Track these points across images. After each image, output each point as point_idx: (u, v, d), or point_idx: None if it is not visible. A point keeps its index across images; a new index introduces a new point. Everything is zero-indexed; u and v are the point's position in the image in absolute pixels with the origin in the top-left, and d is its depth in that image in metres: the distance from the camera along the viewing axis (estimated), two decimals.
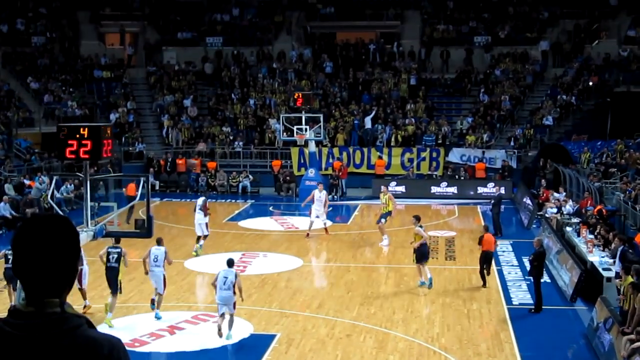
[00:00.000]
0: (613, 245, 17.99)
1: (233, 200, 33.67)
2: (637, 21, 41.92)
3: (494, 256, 20.36)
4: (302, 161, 36.32)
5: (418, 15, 45.42)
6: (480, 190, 33.94)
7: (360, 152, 36.72)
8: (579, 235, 20.95)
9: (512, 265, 21.35)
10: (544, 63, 42.08)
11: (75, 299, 16.04)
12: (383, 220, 24.04)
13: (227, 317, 14.69)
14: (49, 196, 22.13)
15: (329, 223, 25.88)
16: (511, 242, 24.34)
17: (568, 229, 22.60)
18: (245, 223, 28.13)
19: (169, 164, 36.49)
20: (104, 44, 46.08)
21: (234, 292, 14.55)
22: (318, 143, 35.08)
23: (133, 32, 46.63)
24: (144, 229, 14.59)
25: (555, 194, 28.25)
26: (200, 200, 22.87)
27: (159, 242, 16.53)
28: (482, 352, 14.27)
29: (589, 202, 24.84)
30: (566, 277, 18.56)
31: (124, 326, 15.64)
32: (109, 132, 13.11)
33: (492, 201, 26.34)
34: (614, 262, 17.09)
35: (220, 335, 14.63)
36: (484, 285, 18.90)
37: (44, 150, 35.56)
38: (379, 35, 45.92)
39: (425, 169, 36.10)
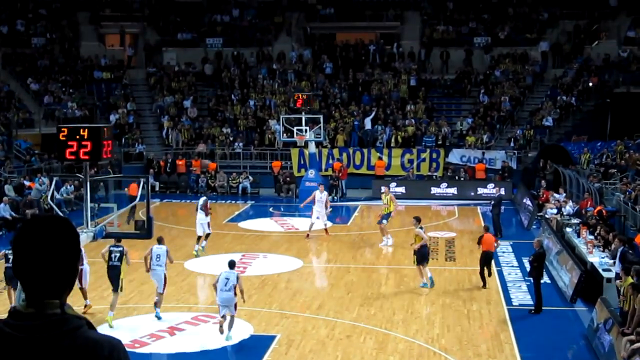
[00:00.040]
0: (613, 246, 17.99)
1: (233, 201, 33.67)
2: (636, 22, 41.94)
3: (494, 257, 20.37)
4: (302, 162, 36.33)
5: (418, 16, 45.43)
6: (480, 191, 33.95)
7: (360, 153, 36.73)
8: (579, 236, 20.95)
9: (512, 266, 21.35)
10: (544, 64, 42.09)
11: (76, 299, 16.04)
12: (384, 221, 24.03)
13: (228, 318, 14.70)
14: (48, 197, 22.13)
15: (329, 224, 25.89)
16: (511, 243, 24.33)
17: (568, 229, 22.60)
18: (245, 224, 28.13)
19: (168, 165, 36.50)
20: (104, 45, 46.09)
21: (235, 294, 14.56)
22: (318, 144, 35.09)
23: (133, 33, 46.64)
24: (144, 230, 14.60)
25: (555, 195, 28.26)
26: (201, 200, 22.97)
27: (160, 240, 16.62)
28: (482, 352, 14.27)
29: (589, 202, 24.85)
30: (566, 278, 18.56)
31: (124, 327, 15.63)
32: (109, 133, 13.12)
33: (492, 202, 26.34)
34: (614, 262, 17.09)
35: (221, 332, 14.70)
36: (484, 286, 18.91)
37: (44, 152, 35.57)
38: (378, 36, 45.92)
39: (425, 170, 36.10)
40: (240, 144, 38.15)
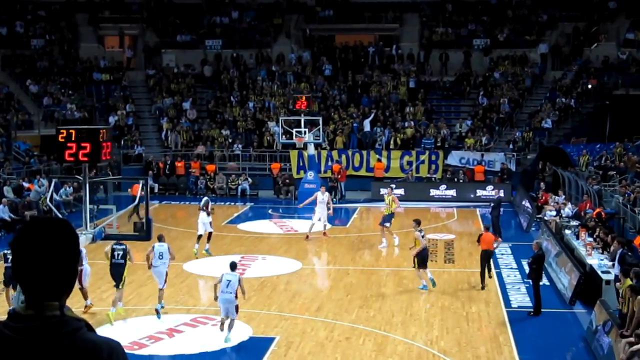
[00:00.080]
0: (612, 248, 18.00)
1: (232, 203, 33.66)
2: (635, 24, 41.98)
3: (494, 259, 20.37)
4: (301, 164, 36.32)
5: (417, 18, 45.46)
6: (479, 193, 33.97)
7: (360, 155, 36.73)
8: (578, 238, 20.96)
9: (511, 268, 21.35)
10: (543, 66, 42.12)
11: (76, 300, 16.04)
12: (388, 224, 24.02)
13: (227, 321, 14.71)
14: (47, 199, 22.13)
15: (328, 226, 25.89)
16: (510, 244, 24.33)
17: (567, 231, 22.61)
18: (244, 226, 28.13)
19: (168, 166, 36.51)
20: (103, 46, 46.11)
21: (236, 297, 14.60)
22: (317, 146, 35.10)
23: (132, 35, 46.64)
24: (143, 232, 14.60)
25: (554, 197, 28.27)
26: (203, 200, 23.31)
27: (161, 238, 16.89)
28: (481, 354, 14.26)
29: (588, 205, 24.86)
30: (565, 280, 18.56)
31: (123, 329, 15.62)
32: (108, 134, 13.12)
33: (492, 204, 26.34)
34: (613, 264, 17.09)
35: (221, 329, 14.79)
36: (483, 287, 18.93)
37: (43, 153, 35.55)
38: (377, 38, 45.91)
39: (424, 172, 36.10)
40: (240, 146, 38.17)
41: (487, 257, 19.28)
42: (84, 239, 13.46)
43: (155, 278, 16.78)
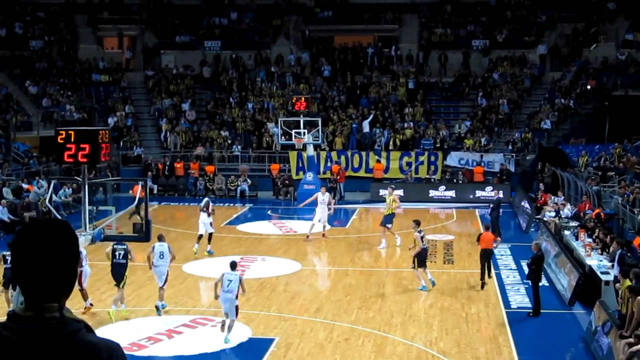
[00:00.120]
0: (611, 249, 18.00)
1: (231, 204, 33.64)
2: (635, 25, 41.99)
3: (493, 260, 20.36)
4: (300, 165, 36.33)
5: (416, 19, 45.46)
6: (479, 194, 33.98)
7: (359, 156, 36.73)
8: (577, 239, 20.96)
9: (511, 269, 21.34)
10: (542, 67, 42.14)
11: (76, 301, 16.04)
12: (389, 225, 24.03)
13: (228, 321, 14.73)
14: (47, 200, 22.13)
15: (327, 227, 25.89)
16: (509, 245, 24.32)
17: (566, 232, 22.61)
18: (244, 227, 28.11)
19: (167, 167, 36.50)
20: (102, 47, 46.11)
21: (236, 296, 14.62)
22: (316, 147, 35.09)
23: (131, 36, 46.64)
24: (142, 233, 14.62)
25: (554, 198, 28.27)
26: (203, 201, 23.43)
27: (160, 238, 16.95)
28: (481, 355, 14.26)
29: (587, 205, 24.85)
30: (564, 280, 18.56)
31: (122, 330, 15.60)
32: (107, 136, 13.12)
33: (491, 205, 26.34)
34: (612, 265, 17.09)
35: (222, 330, 14.86)
36: (482, 286, 18.97)
37: (42, 154, 35.55)
38: (377, 39, 45.92)
39: (423, 173, 36.10)
40: (239, 147, 38.17)
41: (486, 256, 19.30)
42: (83, 240, 13.46)
43: (155, 278, 16.84)
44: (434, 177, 35.75)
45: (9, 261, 15.20)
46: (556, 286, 19.06)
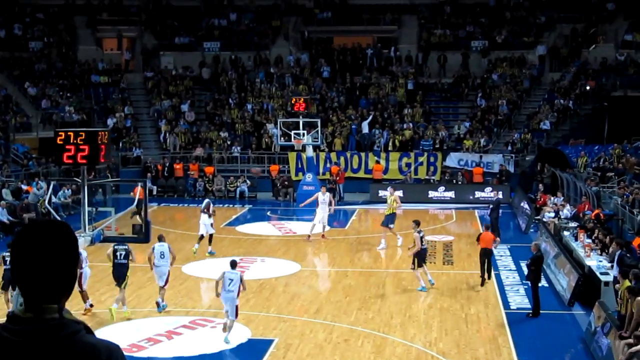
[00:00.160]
0: (611, 250, 18.01)
1: (231, 205, 33.63)
2: (634, 25, 42.01)
3: (492, 261, 20.36)
4: (299, 166, 36.32)
5: (415, 20, 45.47)
6: (478, 194, 33.98)
7: (358, 157, 36.73)
8: (576, 240, 20.97)
9: (510, 270, 21.35)
10: (541, 67, 42.14)
11: (76, 302, 16.03)
12: (391, 225, 24.04)
13: (228, 322, 14.73)
14: (46, 201, 22.12)
15: (327, 228, 25.89)
16: (509, 246, 24.32)
17: (566, 233, 22.61)
18: (243, 228, 28.11)
19: (166, 168, 36.50)
20: (102, 49, 46.09)
21: (237, 295, 14.64)
22: (315, 148, 35.10)
23: (130, 37, 46.61)
24: (142, 234, 14.61)
25: (553, 199, 28.27)
26: (204, 203, 23.50)
27: (161, 238, 17.03)
28: (480, 356, 14.26)
29: (587, 206, 24.86)
30: (564, 281, 18.56)
31: (122, 331, 15.60)
32: (106, 137, 13.12)
33: (491, 206, 26.34)
34: (612, 266, 17.10)
35: (224, 330, 14.89)
36: (482, 283, 19.00)
37: (42, 156, 35.53)
38: (376, 40, 45.92)
39: (422, 174, 36.11)
40: (238, 148, 38.17)
41: (486, 255, 19.32)
42: (82, 241, 13.46)
43: (156, 278, 16.88)
44: (433, 178, 35.76)
45: (8, 262, 15.20)
46: (555, 287, 19.07)
